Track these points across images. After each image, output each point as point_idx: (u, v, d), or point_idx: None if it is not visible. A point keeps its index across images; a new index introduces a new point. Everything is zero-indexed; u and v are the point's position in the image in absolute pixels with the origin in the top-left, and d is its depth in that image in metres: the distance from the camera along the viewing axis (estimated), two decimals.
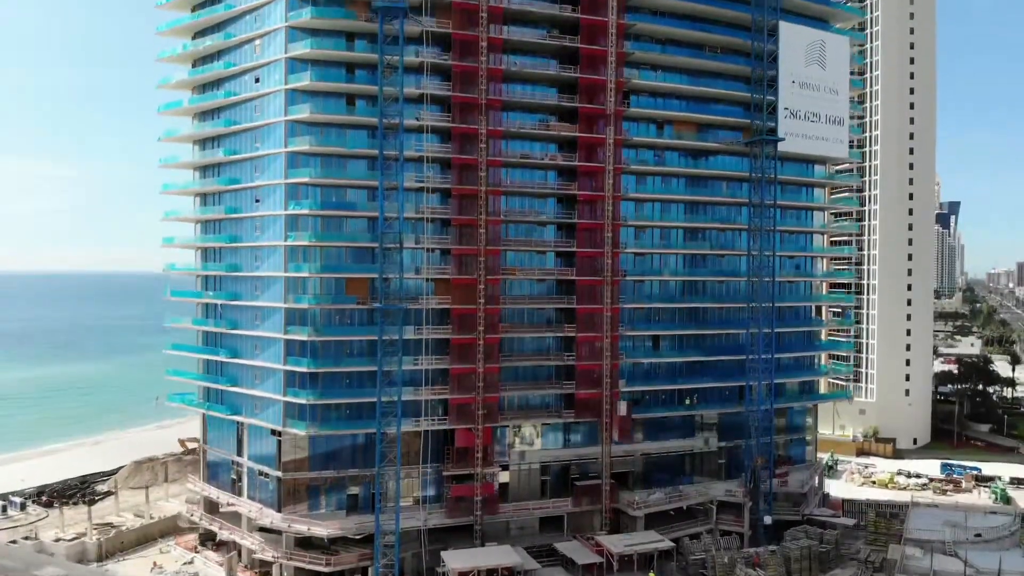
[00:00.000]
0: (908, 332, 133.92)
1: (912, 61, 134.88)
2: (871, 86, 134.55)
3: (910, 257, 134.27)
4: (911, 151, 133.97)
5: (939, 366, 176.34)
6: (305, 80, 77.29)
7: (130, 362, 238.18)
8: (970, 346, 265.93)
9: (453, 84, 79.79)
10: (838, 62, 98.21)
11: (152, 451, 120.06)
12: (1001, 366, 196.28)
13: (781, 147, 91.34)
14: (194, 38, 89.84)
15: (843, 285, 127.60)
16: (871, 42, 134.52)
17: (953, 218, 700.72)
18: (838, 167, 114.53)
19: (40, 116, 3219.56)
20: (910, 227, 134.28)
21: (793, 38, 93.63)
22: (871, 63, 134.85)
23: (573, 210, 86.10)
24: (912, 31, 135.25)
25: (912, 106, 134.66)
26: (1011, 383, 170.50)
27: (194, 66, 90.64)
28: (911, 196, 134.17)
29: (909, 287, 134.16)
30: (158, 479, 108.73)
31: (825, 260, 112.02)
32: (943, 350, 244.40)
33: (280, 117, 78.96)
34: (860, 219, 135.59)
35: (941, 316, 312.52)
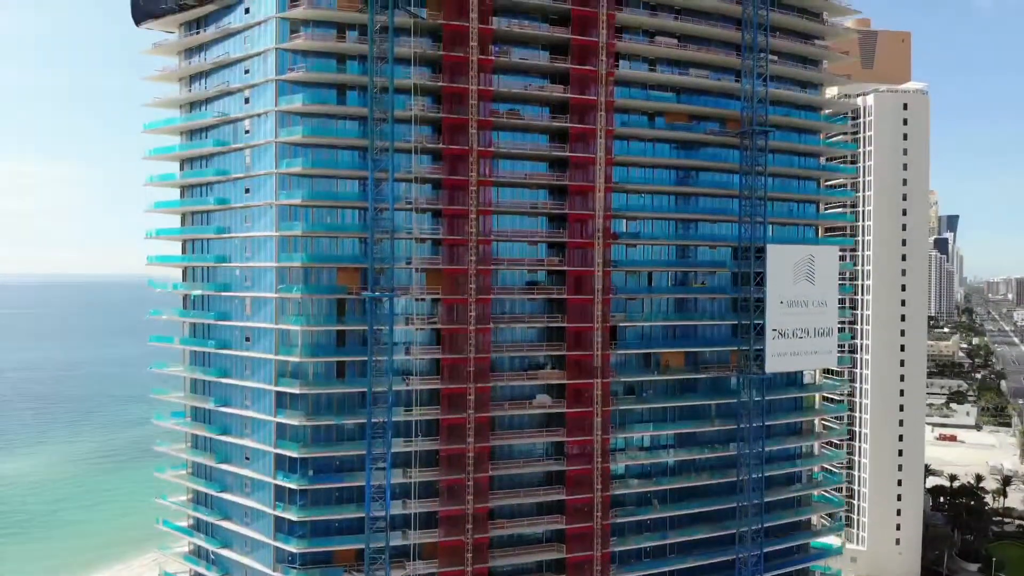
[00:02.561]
0: (899, 483, 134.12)
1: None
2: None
3: (901, 408, 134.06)
4: (903, 291, 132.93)
5: (931, 452, 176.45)
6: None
7: (121, 453, 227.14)
8: (966, 415, 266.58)
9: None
10: (827, 274, 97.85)
11: None
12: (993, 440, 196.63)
13: (767, 367, 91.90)
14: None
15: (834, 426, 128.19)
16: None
17: (951, 234, 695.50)
18: None
19: (38, 116, 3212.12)
20: (902, 378, 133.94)
21: (780, 258, 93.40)
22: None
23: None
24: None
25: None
26: (1003, 493, 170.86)
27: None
28: (903, 348, 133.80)
29: (900, 437, 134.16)
30: None
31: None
32: (936, 420, 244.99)
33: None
34: (853, 367, 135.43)
35: (933, 360, 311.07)
